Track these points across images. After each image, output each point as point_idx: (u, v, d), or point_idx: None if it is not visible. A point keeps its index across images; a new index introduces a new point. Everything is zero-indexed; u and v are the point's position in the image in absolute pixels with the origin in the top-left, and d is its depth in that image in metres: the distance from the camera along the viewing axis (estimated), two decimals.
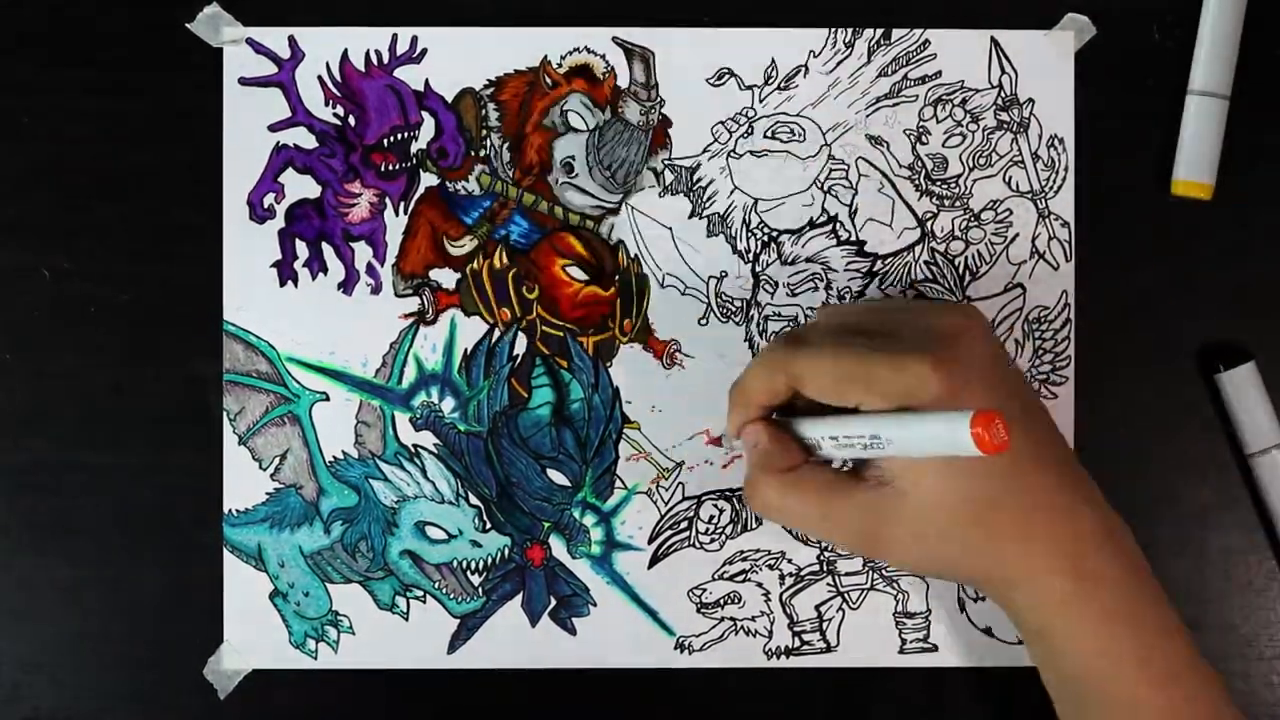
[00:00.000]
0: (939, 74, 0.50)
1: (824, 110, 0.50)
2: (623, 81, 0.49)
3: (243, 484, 0.49)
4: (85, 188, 0.49)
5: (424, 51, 0.49)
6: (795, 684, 0.50)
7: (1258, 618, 0.50)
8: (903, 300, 0.49)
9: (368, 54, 0.49)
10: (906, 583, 0.50)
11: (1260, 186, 0.50)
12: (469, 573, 0.49)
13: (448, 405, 0.49)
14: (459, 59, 0.49)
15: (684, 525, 0.50)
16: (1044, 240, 0.50)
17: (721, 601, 0.50)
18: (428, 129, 0.49)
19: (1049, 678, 0.43)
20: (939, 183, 0.50)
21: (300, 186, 0.49)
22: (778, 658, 0.50)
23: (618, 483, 0.50)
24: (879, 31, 0.50)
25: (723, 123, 0.49)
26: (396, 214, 0.49)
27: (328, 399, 0.49)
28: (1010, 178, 0.50)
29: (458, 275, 0.49)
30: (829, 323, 0.43)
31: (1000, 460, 0.37)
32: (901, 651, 0.50)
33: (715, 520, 0.50)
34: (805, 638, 0.50)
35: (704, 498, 0.50)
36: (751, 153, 0.50)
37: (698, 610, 0.50)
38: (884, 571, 0.50)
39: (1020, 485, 0.40)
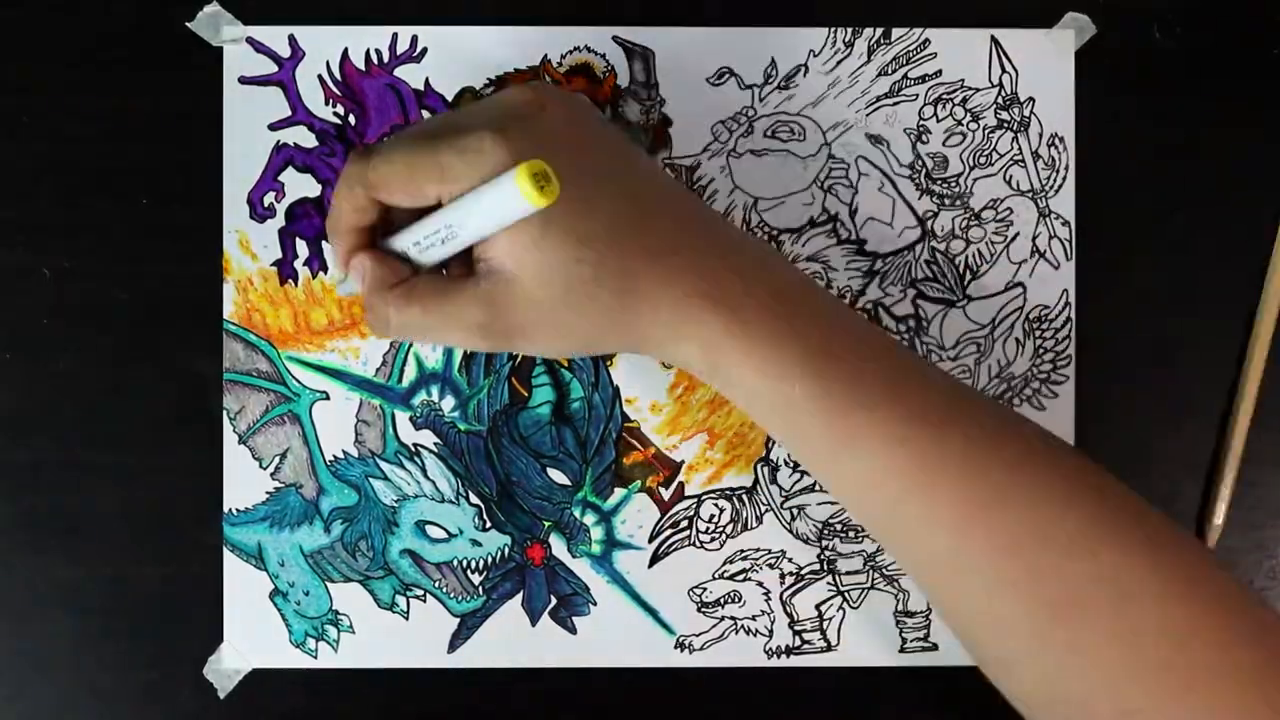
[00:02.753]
0: (939, 73, 0.50)
1: (824, 109, 0.50)
2: (623, 81, 0.49)
3: (243, 483, 0.49)
4: (85, 187, 0.49)
5: (424, 51, 0.49)
6: (796, 683, 0.50)
7: None
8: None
9: (368, 53, 0.49)
10: (907, 582, 0.50)
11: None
12: (469, 572, 0.49)
13: (448, 404, 0.49)
14: (459, 58, 0.49)
15: (684, 524, 0.50)
16: (1044, 239, 0.50)
17: (722, 601, 0.50)
18: None
19: (748, 408, 0.42)
20: (939, 182, 0.50)
21: (301, 185, 0.49)
22: (778, 657, 0.50)
23: (618, 482, 0.50)
24: (879, 31, 0.50)
25: (723, 122, 0.49)
26: None
27: (328, 398, 0.49)
28: (1011, 176, 0.50)
29: None
30: (401, 134, 0.42)
31: (601, 219, 0.38)
32: (902, 651, 0.50)
33: (715, 519, 0.50)
34: (806, 637, 0.50)
35: (704, 497, 0.50)
36: (752, 152, 0.50)
37: (698, 609, 0.50)
38: (885, 571, 0.50)
39: (630, 237, 0.39)
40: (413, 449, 0.49)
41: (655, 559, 0.50)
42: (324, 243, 0.49)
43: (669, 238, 0.40)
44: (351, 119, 0.49)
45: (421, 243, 0.41)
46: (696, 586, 0.50)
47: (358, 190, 0.41)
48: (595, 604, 0.50)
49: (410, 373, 0.49)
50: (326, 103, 0.49)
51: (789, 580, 0.50)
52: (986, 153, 0.50)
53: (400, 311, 0.41)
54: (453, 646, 0.49)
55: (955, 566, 0.40)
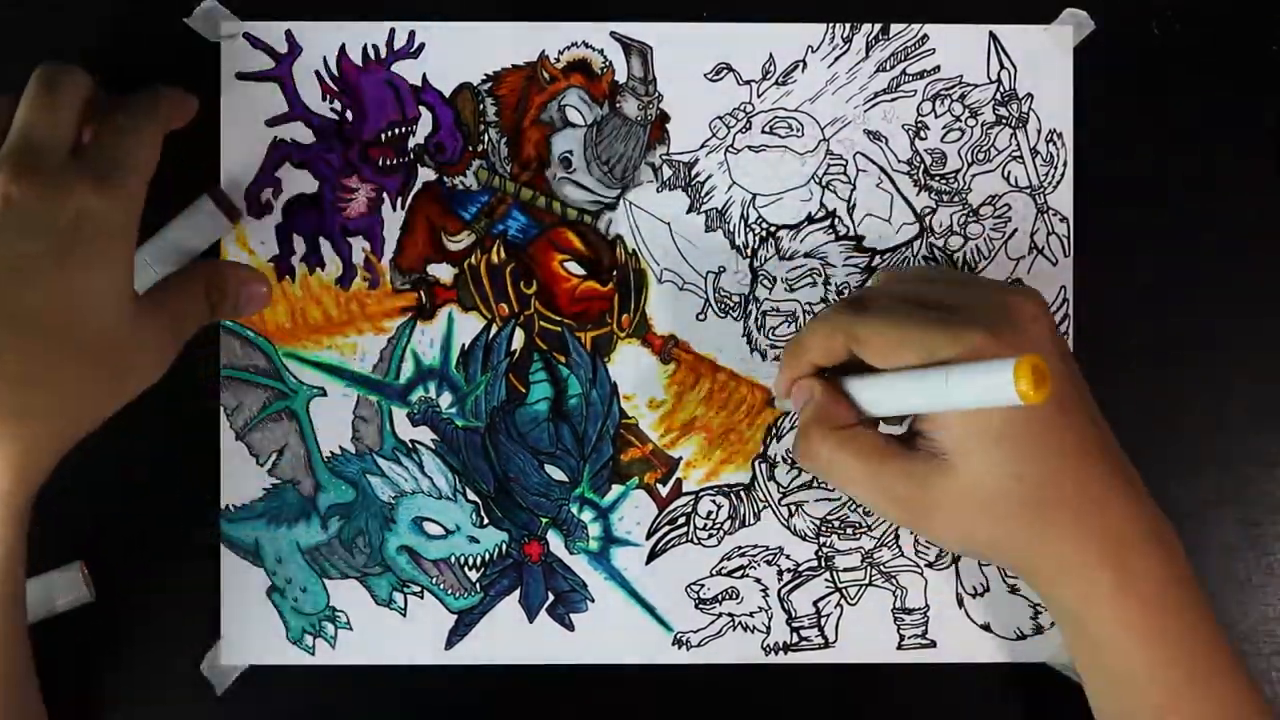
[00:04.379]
0: (937, 69, 0.50)
1: (822, 105, 0.50)
2: (620, 76, 0.49)
3: (240, 479, 0.49)
4: None
5: (421, 46, 0.49)
6: (794, 680, 0.50)
7: (1256, 614, 0.50)
8: (964, 274, 0.49)
9: (365, 49, 0.49)
10: (905, 579, 0.50)
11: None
12: (467, 568, 0.49)
13: (445, 400, 0.49)
14: (457, 54, 0.49)
15: (682, 521, 0.50)
16: (1043, 235, 0.50)
17: (720, 597, 0.50)
18: (425, 124, 0.49)
19: (1083, 663, 0.43)
20: (937, 178, 0.50)
21: (298, 181, 0.49)
22: (776, 654, 0.50)
23: (615, 478, 0.50)
24: (877, 26, 0.49)
25: (721, 118, 0.49)
26: (394, 209, 0.49)
27: (325, 394, 0.49)
28: (1009, 173, 0.50)
29: (455, 270, 0.49)
30: (890, 289, 0.43)
31: (1051, 445, 0.39)
32: (900, 647, 0.50)
33: (713, 516, 0.50)
34: (804, 634, 0.50)
35: (702, 493, 0.50)
36: (750, 148, 0.50)
37: (696, 606, 0.50)
38: (883, 568, 0.50)
39: (1070, 472, 0.40)
40: (410, 445, 0.49)
41: (653, 555, 0.50)
42: (321, 238, 0.49)
43: (1098, 488, 0.40)
44: (349, 115, 0.49)
45: (883, 403, 0.41)
46: (694, 583, 0.50)
47: (838, 338, 0.41)
48: (593, 601, 0.50)
49: (408, 369, 0.49)
50: (324, 98, 0.49)
51: (787, 577, 0.50)
52: (985, 149, 0.50)
53: (834, 453, 0.42)
54: (450, 643, 0.49)
55: None
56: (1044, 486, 0.40)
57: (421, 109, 0.49)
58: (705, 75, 0.49)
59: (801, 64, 0.49)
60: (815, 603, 0.50)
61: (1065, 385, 0.41)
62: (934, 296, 0.41)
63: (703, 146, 0.49)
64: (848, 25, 0.49)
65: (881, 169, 0.50)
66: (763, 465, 0.50)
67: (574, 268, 0.50)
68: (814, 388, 0.43)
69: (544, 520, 0.50)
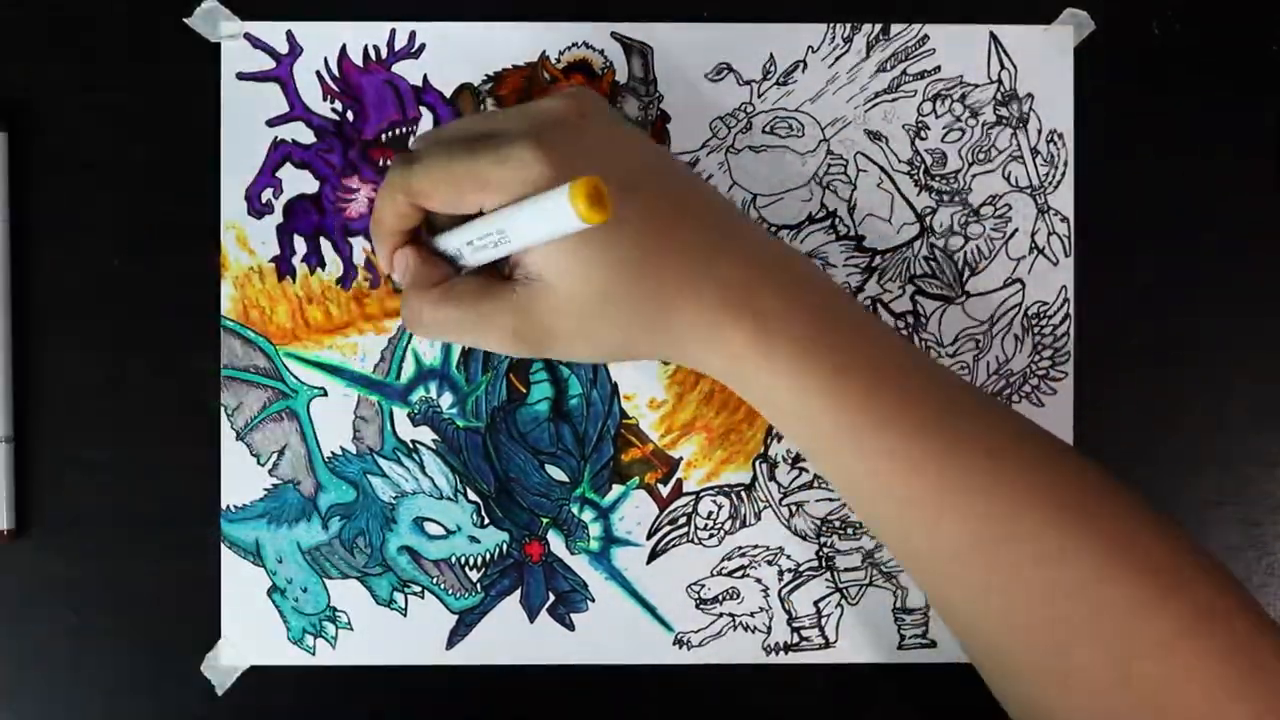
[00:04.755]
0: (938, 69, 0.50)
1: (822, 105, 0.50)
2: (621, 77, 0.49)
3: (241, 479, 0.49)
4: (84, 182, 0.49)
5: (422, 46, 0.49)
6: (794, 680, 0.50)
7: None
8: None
9: (366, 49, 0.49)
10: (905, 579, 0.50)
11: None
12: (467, 568, 0.50)
13: (446, 400, 0.50)
14: (457, 54, 0.49)
15: (682, 521, 0.50)
16: (1043, 235, 0.50)
17: (720, 597, 0.50)
18: (426, 124, 0.49)
19: (781, 430, 0.42)
20: (938, 178, 0.50)
21: (298, 181, 0.49)
22: (776, 653, 0.50)
23: (616, 478, 0.50)
24: (877, 27, 0.50)
25: (721, 118, 0.50)
26: None
27: (326, 394, 0.49)
28: (1009, 173, 0.50)
29: None
30: (436, 136, 0.43)
31: (636, 227, 0.38)
32: (900, 647, 0.50)
33: (714, 516, 0.50)
34: (804, 634, 0.50)
35: (702, 493, 0.50)
36: (750, 148, 0.50)
37: (696, 606, 0.50)
38: (883, 568, 0.50)
39: (666, 245, 0.40)
40: (411, 445, 0.49)
41: (653, 555, 0.50)
42: (322, 238, 0.49)
43: (702, 249, 0.40)
44: (350, 115, 0.49)
45: (474, 243, 0.41)
46: (695, 583, 0.50)
47: (399, 197, 0.41)
48: (593, 601, 0.50)
49: (409, 369, 0.49)
50: (324, 99, 0.49)
51: (787, 577, 0.50)
52: (985, 149, 0.50)
53: (436, 309, 0.42)
54: (451, 643, 0.50)
55: (957, 577, 0.40)
56: (642, 268, 0.39)
57: (422, 109, 0.49)
58: (706, 75, 0.49)
59: (802, 64, 0.50)
60: (816, 603, 0.50)
61: (632, 171, 0.40)
62: (480, 129, 0.41)
63: (703, 146, 0.50)
64: (848, 26, 0.50)
65: (882, 169, 0.50)
66: (763, 465, 0.50)
67: None
68: (407, 256, 0.43)
69: (545, 520, 0.50)
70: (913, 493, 0.40)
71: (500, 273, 0.42)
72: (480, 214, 0.40)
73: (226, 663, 0.49)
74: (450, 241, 0.42)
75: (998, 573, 0.39)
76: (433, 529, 0.50)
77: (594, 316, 0.40)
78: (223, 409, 0.49)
